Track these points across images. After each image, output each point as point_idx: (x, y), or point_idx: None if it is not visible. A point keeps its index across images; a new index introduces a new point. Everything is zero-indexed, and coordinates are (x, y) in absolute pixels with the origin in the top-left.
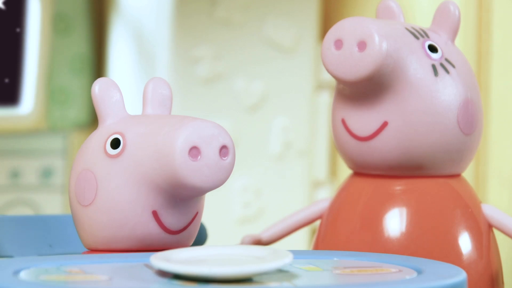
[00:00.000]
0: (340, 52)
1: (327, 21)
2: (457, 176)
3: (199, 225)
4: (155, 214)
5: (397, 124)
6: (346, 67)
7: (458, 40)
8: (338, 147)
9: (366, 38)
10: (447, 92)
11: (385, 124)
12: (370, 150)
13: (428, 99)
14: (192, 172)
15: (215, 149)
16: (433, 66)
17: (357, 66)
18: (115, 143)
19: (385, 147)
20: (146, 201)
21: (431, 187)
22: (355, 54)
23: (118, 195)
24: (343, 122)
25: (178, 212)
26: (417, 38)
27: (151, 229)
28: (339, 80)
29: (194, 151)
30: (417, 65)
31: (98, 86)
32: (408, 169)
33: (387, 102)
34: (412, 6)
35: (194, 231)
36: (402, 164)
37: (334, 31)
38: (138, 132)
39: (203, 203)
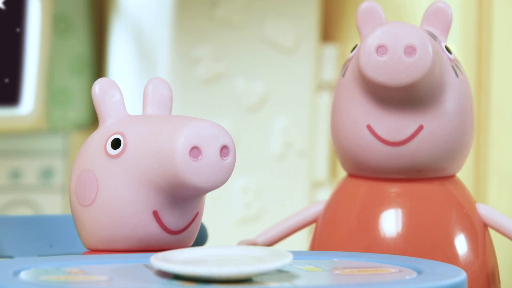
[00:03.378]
0: (385, 58)
1: (327, 22)
2: (451, 177)
3: (200, 225)
4: (155, 214)
5: (432, 128)
6: (394, 73)
7: (458, 41)
8: (357, 153)
9: (414, 43)
10: (465, 92)
11: (420, 128)
12: (402, 155)
13: (457, 100)
14: (192, 172)
15: (216, 149)
16: (453, 67)
17: (408, 71)
18: (116, 143)
19: (420, 151)
20: (146, 201)
21: (425, 189)
22: (403, 60)
23: (119, 195)
24: (369, 128)
25: (178, 212)
26: (434, 39)
27: (152, 229)
28: (384, 87)
29: (194, 151)
30: (445, 66)
31: (98, 86)
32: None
33: (423, 105)
34: (412, 6)
35: (194, 231)
36: (432, 167)
37: (375, 38)
38: (139, 132)
39: (204, 203)
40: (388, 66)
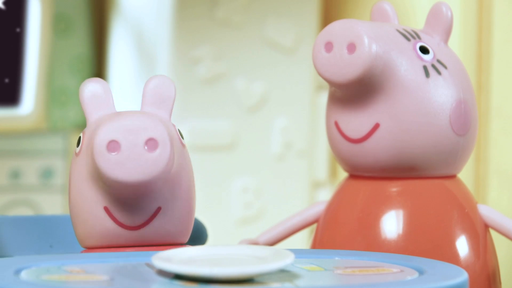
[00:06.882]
0: (330, 54)
1: (327, 22)
2: (452, 177)
3: (176, 221)
4: (106, 210)
5: (388, 126)
6: (336, 69)
7: (458, 41)
8: (333, 149)
9: (355, 40)
10: (439, 93)
11: (376, 126)
12: (363, 152)
13: (419, 100)
14: (111, 166)
15: (138, 142)
16: (425, 68)
17: (347, 68)
18: (78, 142)
19: (378, 149)
20: (96, 197)
21: (426, 189)
22: (344, 57)
23: (77, 193)
24: (336, 124)
25: (130, 208)
26: (408, 39)
27: (107, 225)
28: (329, 82)
29: (113, 144)
30: (407, 66)
31: (84, 90)
32: (402, 171)
33: (378, 104)
34: (412, 6)
35: (163, 228)
36: (395, 165)
37: (324, 34)
38: (91, 130)
39: (171, 198)
40: (332, 62)
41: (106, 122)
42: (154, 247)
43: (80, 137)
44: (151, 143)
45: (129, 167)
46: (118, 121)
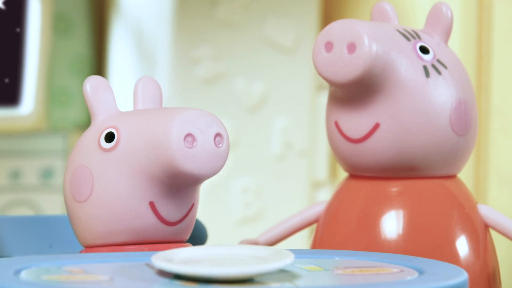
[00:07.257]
0: (330, 54)
1: (327, 22)
2: (452, 177)
3: (195, 218)
4: (152, 205)
5: (388, 126)
6: (336, 69)
7: (458, 41)
8: (333, 149)
9: (355, 40)
10: (439, 93)
11: (376, 126)
12: (363, 152)
13: (419, 100)
14: (188, 159)
15: (210, 136)
16: (425, 67)
17: (347, 68)
18: (110, 137)
19: (378, 149)
20: (142, 192)
21: (426, 189)
22: (345, 56)
23: (114, 188)
24: (336, 124)
25: (174, 203)
26: (408, 39)
27: (149, 220)
28: (329, 82)
29: (189, 138)
30: (408, 66)
31: (89, 84)
32: (402, 170)
33: (378, 103)
34: (412, 6)
35: (190, 224)
36: (395, 165)
37: (325, 34)
38: (132, 124)
39: (199, 196)
40: (332, 62)
41: (174, 116)
42: (178, 244)
43: (112, 133)
44: (218, 138)
45: (202, 161)
46: (189, 115)
